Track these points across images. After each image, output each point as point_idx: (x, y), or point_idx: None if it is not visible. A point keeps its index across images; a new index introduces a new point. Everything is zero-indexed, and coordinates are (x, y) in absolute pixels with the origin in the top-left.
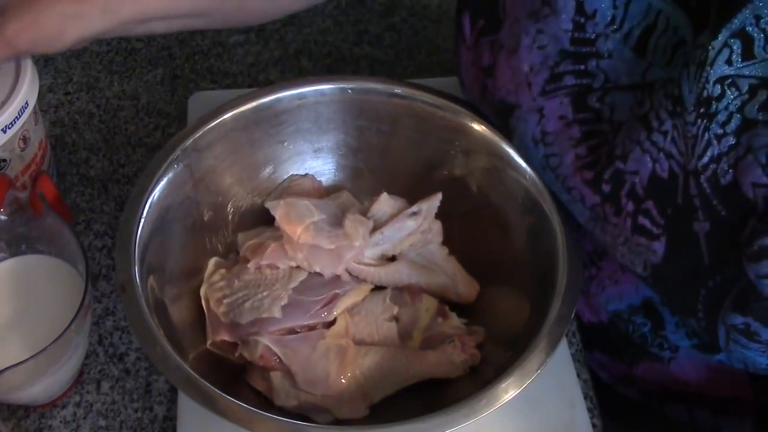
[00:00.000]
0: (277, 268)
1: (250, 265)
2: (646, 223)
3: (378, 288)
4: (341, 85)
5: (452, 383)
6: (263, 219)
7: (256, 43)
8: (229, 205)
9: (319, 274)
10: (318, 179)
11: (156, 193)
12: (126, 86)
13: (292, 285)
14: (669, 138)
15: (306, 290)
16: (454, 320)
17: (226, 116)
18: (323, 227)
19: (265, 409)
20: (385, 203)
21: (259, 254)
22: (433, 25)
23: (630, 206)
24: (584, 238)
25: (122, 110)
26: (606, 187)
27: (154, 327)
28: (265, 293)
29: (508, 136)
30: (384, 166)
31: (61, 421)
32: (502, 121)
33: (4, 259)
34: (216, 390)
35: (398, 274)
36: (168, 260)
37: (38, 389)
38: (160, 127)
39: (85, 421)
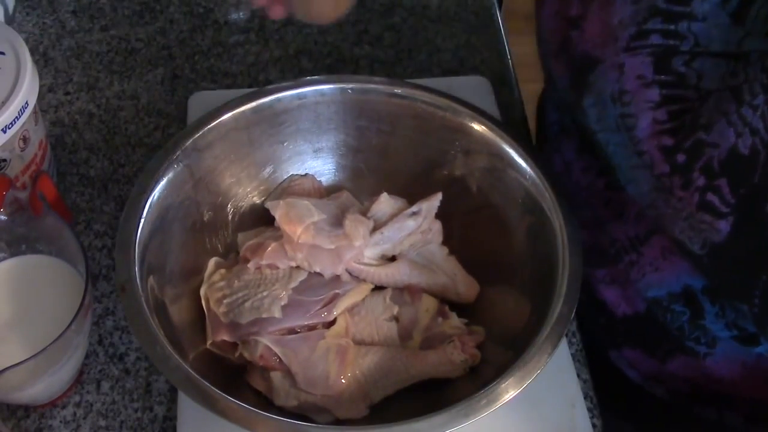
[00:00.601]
0: (277, 268)
1: (250, 265)
2: (715, 200)
3: (378, 288)
4: (341, 85)
5: (452, 383)
6: (263, 219)
7: (256, 43)
8: (229, 205)
9: (319, 274)
10: (318, 179)
11: (156, 193)
12: (126, 86)
13: (292, 285)
14: (759, 113)
15: (306, 290)
16: (454, 320)
17: (226, 116)
18: (323, 227)
19: (265, 409)
20: (385, 203)
21: (259, 254)
22: (433, 25)
23: (701, 181)
24: (627, 222)
25: (122, 110)
26: (681, 157)
27: (154, 327)
28: (265, 293)
29: (580, 92)
30: (384, 166)
31: (61, 421)
32: (579, 76)
33: (4, 259)
34: (216, 390)
35: (398, 274)
36: (168, 260)
37: (38, 389)
38: (160, 127)
39: (85, 421)
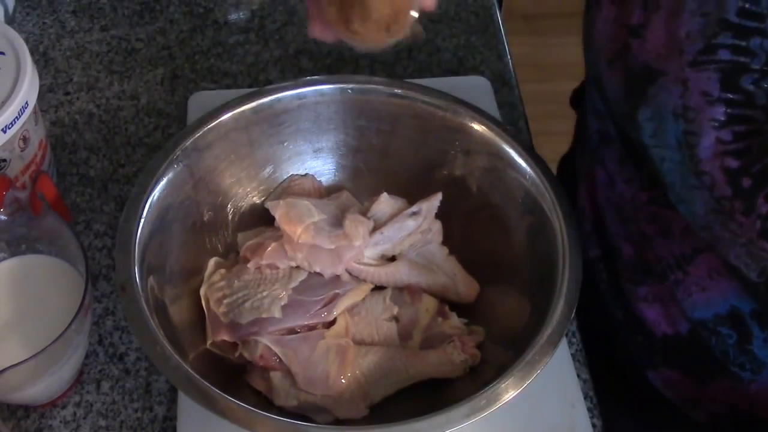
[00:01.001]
0: (277, 268)
1: (250, 265)
2: None
3: (378, 288)
4: (341, 85)
5: (452, 383)
6: (263, 219)
7: (256, 43)
8: (229, 205)
9: (319, 274)
10: (318, 179)
11: (156, 193)
12: (126, 86)
13: (292, 285)
14: None
15: (306, 290)
16: (454, 320)
17: (226, 116)
18: (323, 227)
19: (265, 409)
20: (385, 203)
21: (258, 254)
22: (433, 25)
23: (765, 208)
24: (673, 239)
25: (122, 110)
26: (746, 182)
27: (154, 327)
28: (264, 293)
29: (636, 104)
30: (384, 166)
31: (61, 421)
32: (636, 88)
33: (4, 259)
34: (216, 390)
35: (398, 274)
36: (168, 260)
37: (38, 389)
38: (160, 127)
39: (85, 421)
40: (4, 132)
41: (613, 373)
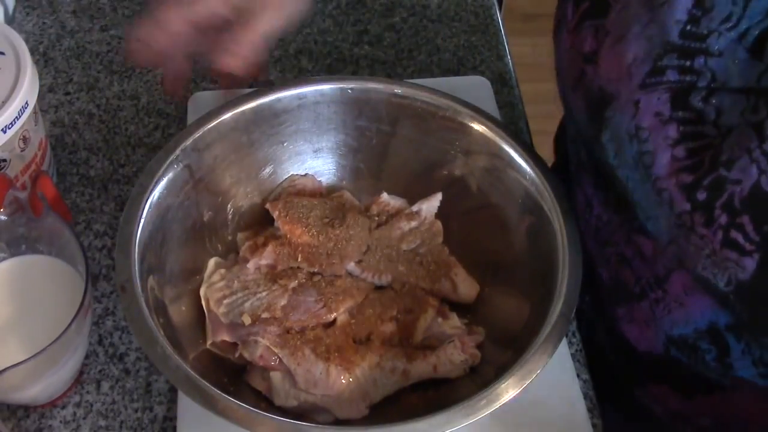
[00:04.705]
0: (276, 268)
1: (250, 265)
2: (739, 237)
3: (378, 288)
4: (341, 85)
5: (452, 383)
6: (263, 219)
7: None
8: (229, 205)
9: (319, 274)
10: (318, 179)
11: (156, 193)
12: (126, 86)
13: (292, 285)
14: None
15: (306, 290)
16: (454, 320)
17: (226, 116)
18: (323, 227)
19: (265, 410)
20: (384, 203)
21: (258, 254)
22: (433, 25)
23: (723, 219)
24: (648, 261)
25: (122, 110)
26: (701, 195)
27: (154, 327)
28: (264, 293)
29: (598, 127)
30: (384, 166)
31: (61, 421)
32: (596, 111)
33: (4, 259)
34: (216, 390)
35: (398, 274)
36: (168, 260)
37: (38, 389)
38: (160, 127)
39: (85, 421)
40: (4, 132)
41: (609, 383)
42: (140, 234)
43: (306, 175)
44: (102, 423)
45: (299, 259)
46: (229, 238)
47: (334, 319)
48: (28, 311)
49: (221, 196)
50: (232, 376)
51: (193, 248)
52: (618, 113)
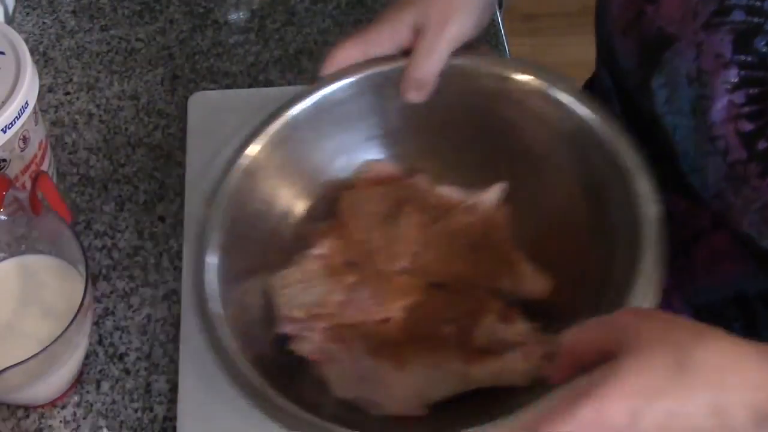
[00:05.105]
0: (332, 260)
1: (310, 256)
2: None
3: (436, 286)
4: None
5: (515, 391)
6: (333, 210)
7: (256, 43)
8: (299, 195)
9: (378, 270)
10: (393, 163)
11: (231, 183)
12: (126, 86)
13: (348, 281)
14: None
15: (361, 287)
16: (519, 326)
17: (295, 109)
18: (376, 223)
19: (328, 400)
20: (442, 195)
21: (319, 245)
22: None
23: None
24: (677, 225)
25: (122, 110)
26: (762, 144)
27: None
28: (320, 288)
29: (650, 71)
30: (450, 148)
31: (61, 421)
32: (651, 55)
33: (4, 259)
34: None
35: (455, 271)
36: (238, 250)
37: (38, 389)
38: (160, 127)
39: (85, 421)
40: (4, 132)
41: None
42: (217, 223)
43: (380, 160)
44: (102, 423)
45: (351, 254)
46: (300, 228)
47: (389, 319)
48: (28, 311)
49: (295, 186)
50: (297, 363)
51: (262, 239)
52: (678, 56)
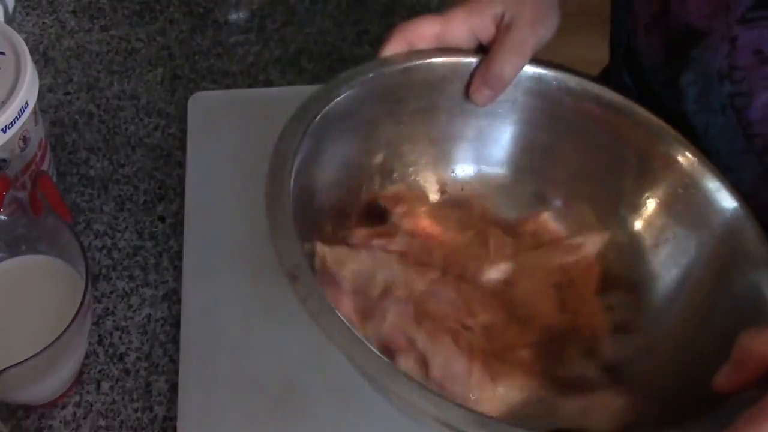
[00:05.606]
0: (407, 256)
1: (375, 244)
2: None
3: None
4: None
5: None
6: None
7: (256, 43)
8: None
9: (462, 278)
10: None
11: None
12: (126, 86)
13: (430, 276)
14: None
15: (444, 286)
16: (599, 361)
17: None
18: (461, 231)
19: None
20: (544, 224)
21: (388, 239)
22: None
23: None
24: None
25: (122, 110)
26: None
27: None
28: (399, 271)
29: (678, 68)
30: (547, 173)
31: (61, 421)
32: (678, 51)
33: (4, 259)
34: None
35: (534, 311)
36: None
37: (38, 389)
38: (160, 127)
39: (85, 421)
40: (4, 132)
41: None
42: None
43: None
44: (102, 423)
45: (435, 257)
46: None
47: (470, 327)
48: (28, 311)
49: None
50: None
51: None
52: (708, 51)
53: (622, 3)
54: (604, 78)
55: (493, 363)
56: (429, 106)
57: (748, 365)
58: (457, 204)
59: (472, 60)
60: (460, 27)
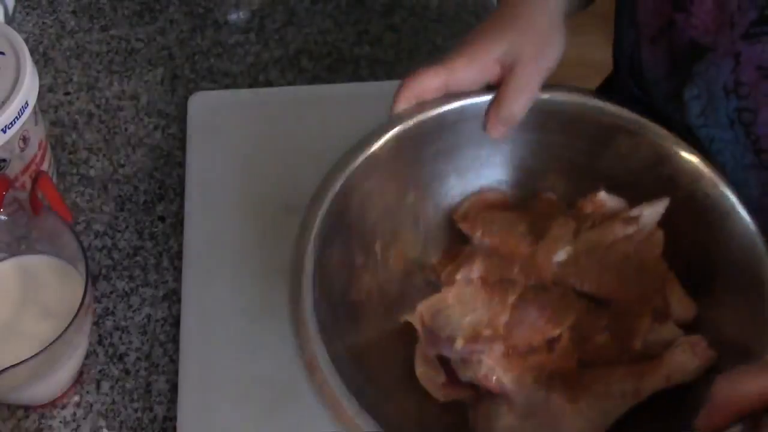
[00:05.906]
0: (487, 280)
1: (459, 277)
2: None
3: (586, 296)
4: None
5: (688, 389)
6: (453, 237)
7: (256, 43)
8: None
9: (533, 287)
10: (507, 189)
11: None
12: (126, 86)
13: (511, 300)
14: None
15: (526, 305)
16: (671, 325)
17: (390, 136)
18: (527, 235)
19: None
20: (600, 202)
21: (467, 268)
22: (433, 25)
23: None
24: None
25: (122, 110)
26: None
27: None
28: (483, 309)
29: (681, 82)
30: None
31: (61, 421)
32: (682, 65)
33: (4, 259)
34: None
35: (603, 284)
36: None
37: (38, 389)
38: (160, 127)
39: (85, 421)
40: (4, 132)
41: None
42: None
43: (493, 186)
44: (102, 423)
45: (515, 271)
46: (418, 253)
47: (559, 336)
48: (28, 311)
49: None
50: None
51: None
52: (713, 66)
53: (625, 15)
54: (606, 88)
55: (574, 381)
56: (448, 146)
57: (720, 411)
58: (524, 204)
59: (480, 100)
60: (463, 74)
